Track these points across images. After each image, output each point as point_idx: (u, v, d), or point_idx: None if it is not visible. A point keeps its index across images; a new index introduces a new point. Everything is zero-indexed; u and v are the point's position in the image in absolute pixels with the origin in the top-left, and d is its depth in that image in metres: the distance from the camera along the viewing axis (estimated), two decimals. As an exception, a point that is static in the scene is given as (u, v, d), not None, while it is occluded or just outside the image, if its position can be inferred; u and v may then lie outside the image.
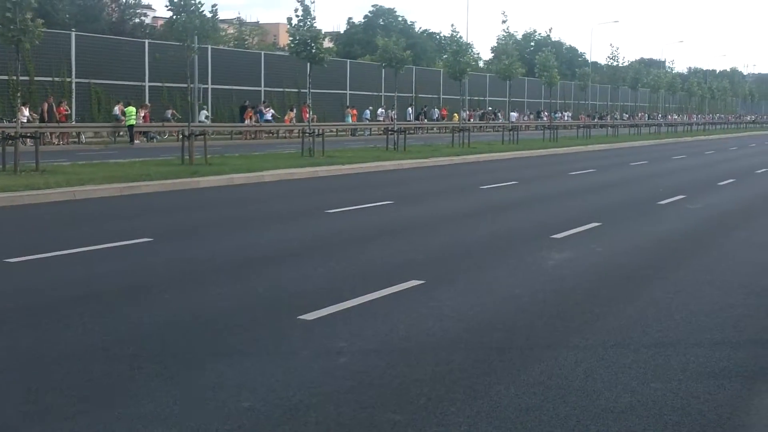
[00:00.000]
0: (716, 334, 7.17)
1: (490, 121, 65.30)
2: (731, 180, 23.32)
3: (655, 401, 5.51)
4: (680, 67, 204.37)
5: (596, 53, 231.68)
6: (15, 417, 5.08)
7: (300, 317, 7.41)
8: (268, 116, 47.30)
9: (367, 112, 56.10)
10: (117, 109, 41.13)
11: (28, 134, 23.00)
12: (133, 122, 38.11)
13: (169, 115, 43.31)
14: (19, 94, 23.90)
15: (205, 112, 46.18)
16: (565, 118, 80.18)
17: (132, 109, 38.29)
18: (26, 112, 35.13)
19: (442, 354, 6.48)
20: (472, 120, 63.48)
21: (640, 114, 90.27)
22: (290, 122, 48.33)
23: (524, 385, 5.76)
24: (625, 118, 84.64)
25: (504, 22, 49.80)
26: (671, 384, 5.84)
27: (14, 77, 25.21)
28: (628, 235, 13.08)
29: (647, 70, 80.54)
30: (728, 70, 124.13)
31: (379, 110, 57.94)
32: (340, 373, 6.01)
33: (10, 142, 20.61)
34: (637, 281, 9.47)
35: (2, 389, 5.57)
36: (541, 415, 5.24)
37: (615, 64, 63.26)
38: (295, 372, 6.00)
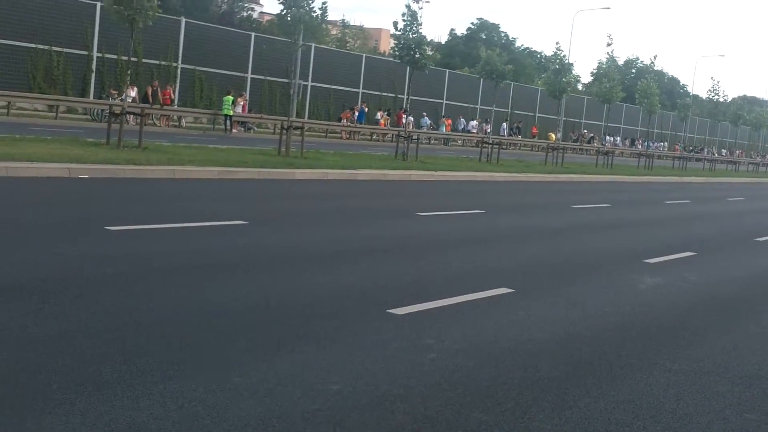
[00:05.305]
0: (815, 372, 6.95)
1: (585, 144, 64.64)
2: (833, 225, 22.58)
3: None
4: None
5: (698, 86, 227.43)
6: (110, 377, 5.17)
7: (389, 311, 7.42)
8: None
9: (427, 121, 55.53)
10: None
11: (134, 112, 23.50)
12: (229, 112, 38.64)
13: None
14: (129, 72, 24.53)
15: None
16: (660, 148, 78.79)
17: (229, 98, 38.83)
18: (133, 93, 36.03)
19: (531, 361, 6.41)
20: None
21: (738, 152, 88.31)
22: (385, 126, 48.62)
23: (614, 401, 5.67)
24: (724, 154, 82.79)
25: (609, 45, 49.50)
26: None
27: (123, 57, 25.88)
28: (723, 267, 12.78)
29: (749, 108, 78.79)
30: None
31: (472, 122, 57.79)
32: (428, 368, 5.99)
33: (116, 118, 21.15)
34: (730, 313, 9.24)
35: (100, 350, 5.69)
36: (631, 432, 5.16)
37: (716, 98, 62.06)
38: (384, 363, 6.00)
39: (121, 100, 29.74)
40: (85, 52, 38.33)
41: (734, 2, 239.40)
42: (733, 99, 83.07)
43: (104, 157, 17.58)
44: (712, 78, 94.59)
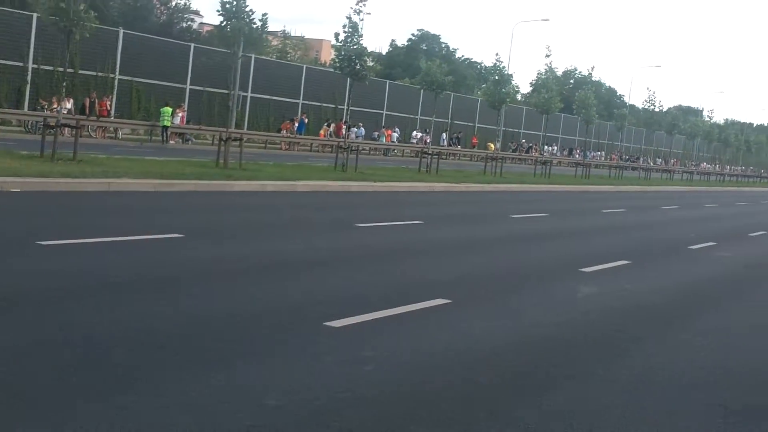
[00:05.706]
0: (748, 379, 7.07)
1: (523, 154, 65.31)
2: (763, 232, 23.05)
3: (682, 439, 5.45)
4: (718, 117, 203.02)
5: (635, 96, 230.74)
6: (41, 396, 5.07)
7: (326, 324, 7.39)
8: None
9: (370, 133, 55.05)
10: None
11: (69, 124, 23.17)
12: (167, 123, 38.32)
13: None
14: (65, 84, 24.18)
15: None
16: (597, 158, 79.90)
17: (168, 110, 38.53)
18: (69, 104, 35.49)
19: (467, 372, 6.43)
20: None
21: (674, 160, 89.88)
22: (325, 136, 48.58)
23: (549, 411, 5.71)
24: (659, 163, 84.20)
25: (548, 56, 50.15)
26: (704, 424, 5.76)
27: (60, 68, 25.50)
28: (658, 275, 12.97)
29: (684, 117, 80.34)
30: (766, 124, 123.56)
31: (414, 132, 58.06)
32: (365, 381, 5.98)
33: (50, 130, 20.83)
34: (665, 321, 9.37)
35: (29, 368, 5.57)
36: (566, 442, 5.19)
37: (652, 108, 63.18)
38: (320, 376, 5.97)
39: (56, 111, 29.29)
40: (21, 63, 37.70)
41: (670, 14, 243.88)
42: (669, 109, 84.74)
43: (38, 169, 17.28)
44: (648, 88, 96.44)
